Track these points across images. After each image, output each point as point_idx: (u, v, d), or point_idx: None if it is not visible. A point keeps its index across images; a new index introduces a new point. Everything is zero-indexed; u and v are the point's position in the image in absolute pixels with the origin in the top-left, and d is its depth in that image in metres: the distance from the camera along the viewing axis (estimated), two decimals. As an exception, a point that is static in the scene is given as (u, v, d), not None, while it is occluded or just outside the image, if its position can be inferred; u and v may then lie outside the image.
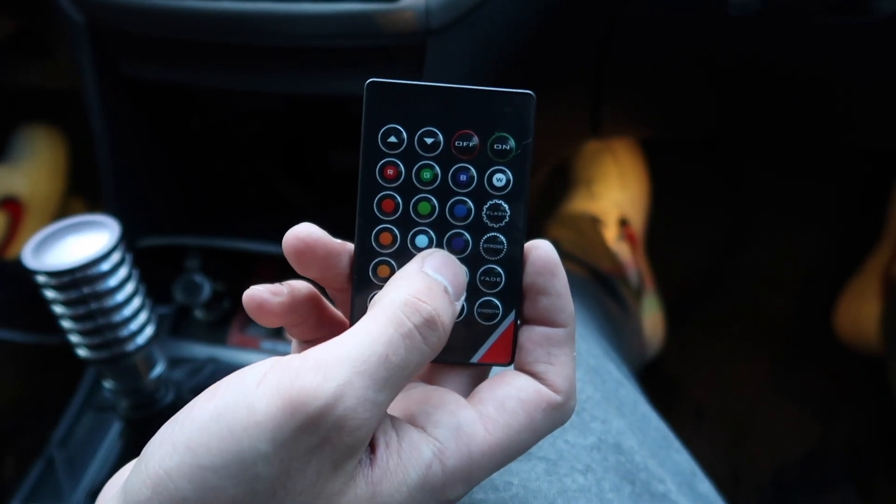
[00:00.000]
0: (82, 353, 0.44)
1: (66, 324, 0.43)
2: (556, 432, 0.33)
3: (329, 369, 0.21)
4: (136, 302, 0.45)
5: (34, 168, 1.05)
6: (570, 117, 0.76)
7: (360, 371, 0.21)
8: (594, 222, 0.92)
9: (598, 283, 0.81)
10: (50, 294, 0.41)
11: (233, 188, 0.80)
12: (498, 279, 0.26)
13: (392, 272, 0.26)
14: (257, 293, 0.26)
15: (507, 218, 0.26)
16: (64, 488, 0.55)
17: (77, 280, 0.41)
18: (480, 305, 0.27)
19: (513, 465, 0.31)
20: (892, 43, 0.62)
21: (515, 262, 0.26)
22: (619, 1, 0.59)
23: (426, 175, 0.26)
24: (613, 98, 0.73)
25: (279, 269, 0.67)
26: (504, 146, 0.26)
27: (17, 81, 0.99)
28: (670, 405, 0.92)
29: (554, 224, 0.92)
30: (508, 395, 0.24)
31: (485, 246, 0.26)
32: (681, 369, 0.96)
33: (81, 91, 0.67)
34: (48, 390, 0.74)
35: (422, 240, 0.26)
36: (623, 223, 0.95)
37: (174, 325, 0.68)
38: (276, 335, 0.66)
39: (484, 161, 0.26)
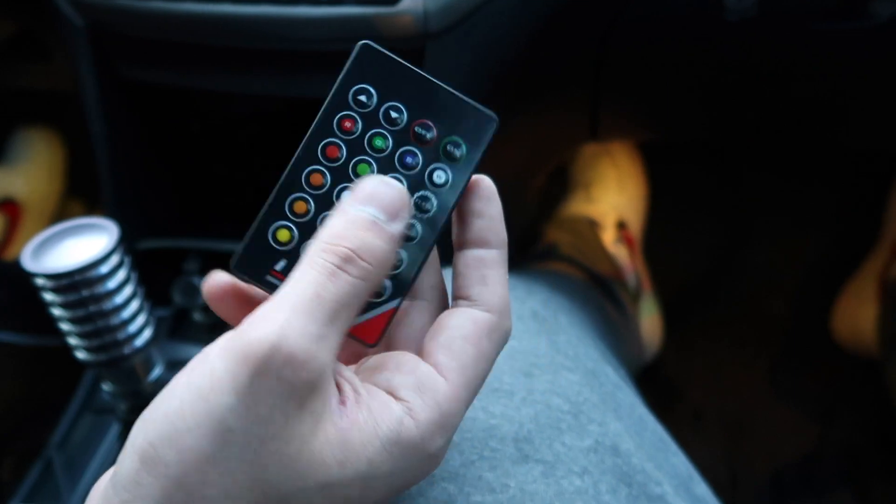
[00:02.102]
0: (81, 355, 0.45)
1: (64, 326, 0.43)
2: (553, 435, 0.33)
3: (268, 316, 0.23)
4: (135, 304, 0.45)
5: (32, 170, 1.05)
6: (569, 120, 0.76)
7: (297, 311, 0.23)
8: (592, 225, 0.93)
9: (596, 286, 0.81)
10: (49, 297, 0.42)
11: (231, 191, 0.81)
12: (399, 263, 0.27)
13: (307, 211, 0.27)
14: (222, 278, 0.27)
15: (431, 213, 0.27)
16: (62, 490, 0.55)
17: (76, 283, 0.41)
18: None
19: (510, 468, 0.31)
20: (889, 47, 0.63)
21: (420, 253, 0.27)
22: (617, 4, 0.59)
23: (378, 142, 0.27)
24: (611, 101, 0.73)
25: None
26: (455, 150, 0.27)
27: (15, 83, 0.99)
28: (669, 407, 0.93)
29: (552, 227, 0.92)
30: (451, 337, 0.26)
31: None
32: (679, 372, 0.96)
33: (80, 94, 0.67)
34: (46, 392, 0.74)
35: (347, 194, 0.27)
36: (621, 226, 0.95)
37: (173, 327, 0.68)
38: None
39: (433, 154, 0.27)
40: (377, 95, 0.27)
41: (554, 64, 0.65)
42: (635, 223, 0.98)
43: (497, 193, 0.28)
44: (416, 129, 0.27)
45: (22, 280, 0.42)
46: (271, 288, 0.27)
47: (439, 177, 0.27)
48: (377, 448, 0.23)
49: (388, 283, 0.27)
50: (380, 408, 0.24)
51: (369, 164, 0.27)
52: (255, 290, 0.28)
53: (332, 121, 0.27)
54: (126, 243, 0.45)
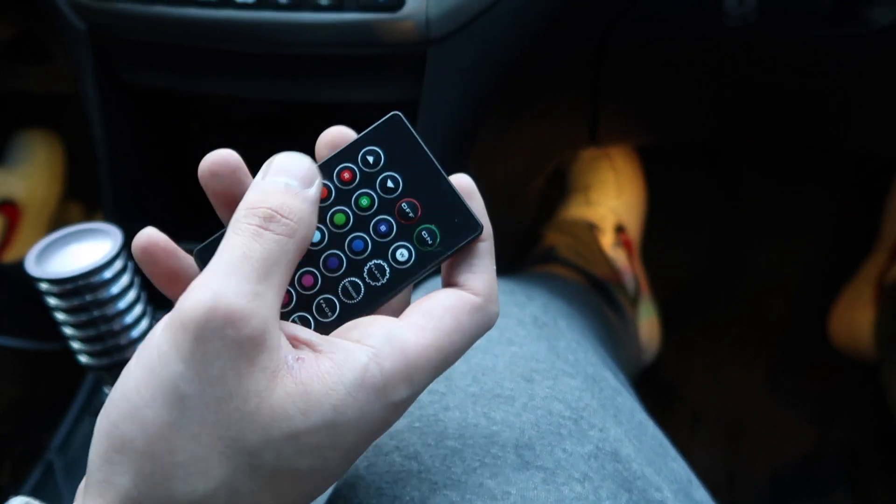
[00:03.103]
0: (83, 359, 0.45)
1: (67, 331, 0.43)
2: (554, 441, 0.34)
3: (200, 284, 0.23)
4: (138, 309, 0.45)
5: (32, 172, 1.05)
6: (568, 124, 0.77)
7: (227, 273, 0.23)
8: (591, 229, 0.93)
9: (594, 290, 0.81)
10: (52, 301, 0.42)
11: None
12: (332, 314, 0.28)
13: None
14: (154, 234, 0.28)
15: (379, 284, 0.28)
16: (63, 493, 0.55)
17: (79, 288, 0.41)
18: (300, 318, 0.29)
19: (511, 475, 0.32)
20: (886, 53, 0.63)
21: (354, 313, 0.28)
22: (617, 9, 0.59)
23: (364, 201, 0.29)
24: (611, 106, 0.74)
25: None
26: (429, 238, 0.28)
27: (14, 86, 0.99)
28: (667, 409, 0.93)
29: (551, 230, 0.92)
30: (434, 304, 0.27)
31: (348, 281, 0.28)
32: (678, 373, 0.97)
33: (81, 97, 0.67)
34: (45, 395, 0.74)
35: (315, 236, 0.29)
36: (619, 230, 0.95)
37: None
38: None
39: (406, 233, 0.29)
40: (384, 161, 0.29)
41: (553, 67, 0.66)
42: (633, 227, 0.98)
43: (477, 189, 0.29)
44: (402, 204, 0.29)
45: (21, 282, 0.42)
46: None
47: (402, 255, 0.28)
48: (342, 394, 0.24)
49: (331, 315, 0.28)
50: (344, 356, 0.24)
51: (346, 215, 0.29)
52: (180, 252, 0.29)
53: (336, 167, 0.29)
54: (129, 248, 0.45)
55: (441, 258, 0.28)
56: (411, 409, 0.35)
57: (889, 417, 0.84)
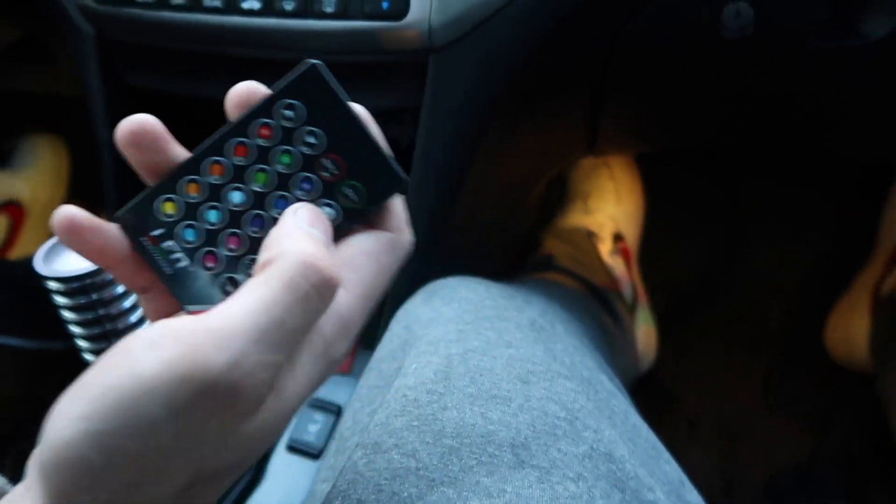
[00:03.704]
0: (89, 357, 0.45)
1: (74, 329, 0.44)
2: (550, 441, 0.34)
3: (223, 339, 0.21)
4: (141, 309, 0.46)
5: (36, 174, 1.06)
6: (567, 134, 0.78)
7: (256, 339, 0.22)
8: (590, 237, 0.94)
9: (593, 297, 0.82)
10: (59, 300, 0.42)
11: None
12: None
13: (198, 194, 0.28)
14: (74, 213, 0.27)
15: None
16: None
17: (86, 286, 0.42)
18: (229, 279, 0.28)
19: (507, 473, 0.32)
20: (881, 65, 0.64)
21: None
22: (616, 21, 0.60)
23: (284, 158, 0.28)
24: (610, 115, 0.75)
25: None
26: (352, 194, 0.28)
27: (17, 87, 1.00)
28: (665, 414, 0.93)
29: (550, 237, 0.93)
30: (354, 254, 0.27)
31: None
32: (675, 378, 0.97)
33: (86, 99, 0.68)
34: (45, 394, 0.75)
35: (235, 195, 0.28)
36: (617, 238, 0.96)
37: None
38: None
39: (328, 190, 0.28)
40: (304, 115, 0.27)
41: (554, 76, 0.67)
42: (631, 235, 0.99)
43: (376, 125, 0.29)
44: (324, 160, 0.27)
45: (23, 281, 0.43)
46: (142, 249, 0.28)
47: (327, 213, 0.27)
48: None
49: (242, 279, 0.28)
50: None
51: (267, 174, 0.28)
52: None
53: (253, 122, 0.27)
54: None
55: (367, 214, 0.28)
56: (409, 408, 0.36)
57: (885, 425, 0.85)
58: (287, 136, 0.27)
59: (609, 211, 0.98)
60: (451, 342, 0.40)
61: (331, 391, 0.58)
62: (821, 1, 0.58)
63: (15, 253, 0.99)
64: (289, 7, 0.56)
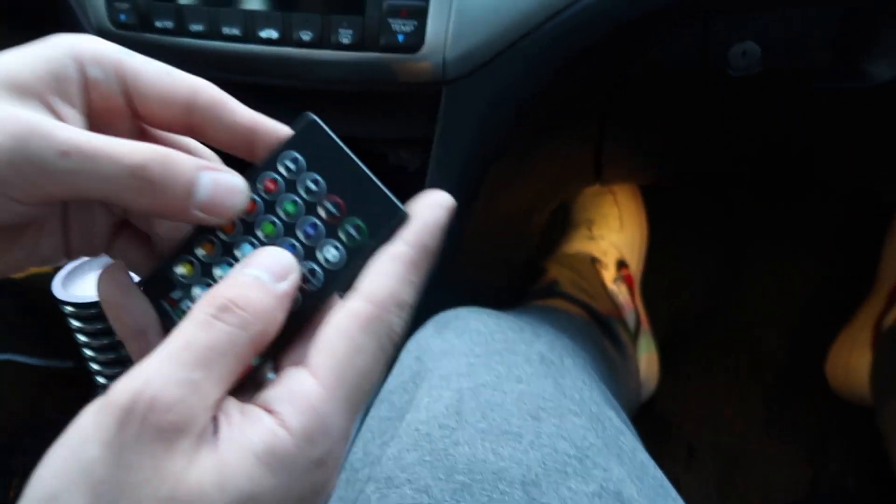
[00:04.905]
0: (101, 380, 0.46)
1: (88, 352, 0.45)
2: (560, 479, 0.35)
3: (135, 371, 0.23)
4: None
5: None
6: (574, 163, 0.79)
7: (163, 360, 0.23)
8: (593, 263, 0.94)
9: (596, 324, 0.83)
10: (75, 324, 0.43)
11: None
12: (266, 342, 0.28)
13: (212, 253, 0.29)
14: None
15: (314, 288, 0.28)
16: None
17: (102, 313, 0.42)
18: None
19: (517, 509, 0.33)
20: (885, 107, 0.65)
21: (294, 320, 0.27)
22: (629, 56, 0.62)
23: (289, 207, 0.29)
24: (615, 146, 0.76)
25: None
26: (355, 233, 0.28)
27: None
28: (662, 442, 0.94)
29: (553, 264, 0.94)
30: (327, 335, 0.25)
31: None
32: (673, 406, 0.98)
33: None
34: (50, 412, 0.75)
35: (245, 248, 0.29)
36: (621, 265, 0.97)
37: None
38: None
39: (332, 231, 0.28)
40: (304, 164, 0.28)
41: (563, 108, 0.68)
42: (634, 262, 1.00)
43: (444, 205, 0.28)
44: (326, 202, 0.28)
45: (33, 299, 0.43)
46: (162, 312, 0.29)
47: (331, 254, 0.28)
48: (253, 463, 0.23)
49: None
50: (251, 424, 0.23)
51: (275, 225, 0.29)
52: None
53: (259, 178, 0.29)
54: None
55: (370, 250, 0.28)
56: (422, 442, 0.36)
57: (884, 457, 0.85)
58: (290, 185, 0.29)
59: (613, 238, 0.99)
60: (462, 376, 0.40)
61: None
62: (825, 44, 0.59)
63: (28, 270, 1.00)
64: (306, 37, 0.57)
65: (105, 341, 0.43)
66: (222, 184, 0.27)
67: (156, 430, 0.22)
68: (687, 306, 1.06)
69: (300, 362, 0.25)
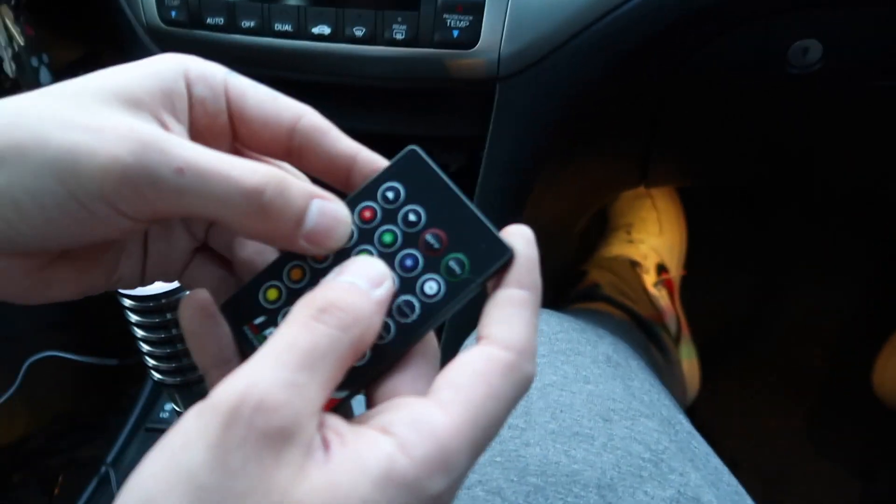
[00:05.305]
0: (157, 376, 0.46)
1: (144, 346, 0.44)
2: (636, 483, 0.34)
3: (238, 372, 0.21)
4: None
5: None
6: (620, 167, 0.77)
7: (268, 361, 0.22)
8: (633, 266, 0.93)
9: (640, 329, 0.81)
10: (133, 318, 0.43)
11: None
12: (361, 358, 0.26)
13: (301, 279, 0.28)
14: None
15: (410, 320, 0.27)
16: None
17: (161, 306, 0.42)
18: None
19: (592, 514, 0.32)
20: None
21: (384, 357, 0.27)
22: (684, 53, 0.60)
23: (387, 237, 0.28)
24: (663, 149, 0.74)
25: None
26: (457, 268, 0.27)
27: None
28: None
29: (594, 267, 0.93)
30: (460, 372, 0.24)
31: None
32: (714, 419, 0.96)
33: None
34: (91, 410, 0.75)
35: None
36: (661, 269, 0.95)
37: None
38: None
39: (433, 265, 0.27)
40: (404, 195, 0.28)
41: (614, 107, 0.67)
42: (674, 267, 0.98)
43: (534, 239, 0.27)
44: (427, 236, 0.27)
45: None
46: (243, 339, 0.27)
47: (431, 288, 0.27)
48: (367, 487, 0.21)
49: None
50: (367, 445, 0.22)
51: (371, 254, 0.28)
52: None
53: (356, 207, 0.28)
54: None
55: (472, 287, 0.27)
56: (492, 442, 0.35)
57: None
58: (388, 215, 0.28)
59: (652, 242, 0.98)
60: (527, 376, 0.39)
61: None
62: (890, 42, 0.58)
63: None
64: (359, 33, 0.57)
65: (162, 335, 0.43)
66: (328, 213, 0.26)
67: (263, 434, 0.21)
68: (725, 322, 1.04)
69: (400, 394, 0.25)
